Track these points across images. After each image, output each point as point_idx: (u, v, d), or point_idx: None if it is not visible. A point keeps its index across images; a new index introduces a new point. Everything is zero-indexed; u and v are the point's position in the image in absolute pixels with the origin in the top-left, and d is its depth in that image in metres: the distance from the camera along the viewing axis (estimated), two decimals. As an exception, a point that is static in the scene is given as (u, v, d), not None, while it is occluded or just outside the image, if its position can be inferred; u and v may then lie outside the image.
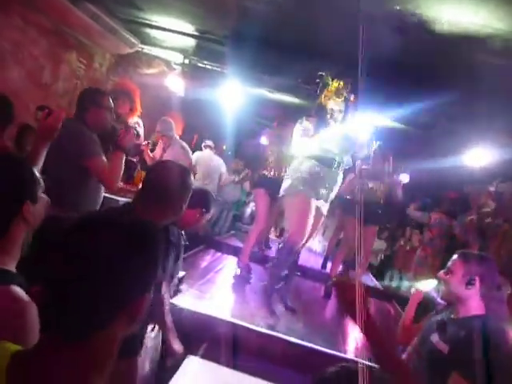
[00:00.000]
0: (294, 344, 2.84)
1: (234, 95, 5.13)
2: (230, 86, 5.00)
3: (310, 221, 3.45)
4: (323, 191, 3.52)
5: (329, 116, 3.45)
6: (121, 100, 4.19)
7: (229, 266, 4.64)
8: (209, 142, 6.15)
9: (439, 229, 6.11)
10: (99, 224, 0.77)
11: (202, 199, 2.40)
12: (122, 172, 2.54)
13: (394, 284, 6.74)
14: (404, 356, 2.08)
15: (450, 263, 1.97)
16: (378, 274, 6.79)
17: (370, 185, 4.62)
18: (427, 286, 2.49)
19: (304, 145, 3.47)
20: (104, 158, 2.54)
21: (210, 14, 4.21)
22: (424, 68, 3.41)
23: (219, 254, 5.07)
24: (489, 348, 1.68)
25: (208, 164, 5.96)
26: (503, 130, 4.04)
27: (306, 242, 3.65)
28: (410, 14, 2.90)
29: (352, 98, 3.48)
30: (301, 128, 3.48)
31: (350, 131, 3.41)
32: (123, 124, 3.84)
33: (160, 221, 1.73)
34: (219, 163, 6.09)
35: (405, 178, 6.80)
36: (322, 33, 3.63)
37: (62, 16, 4.31)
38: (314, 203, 3.50)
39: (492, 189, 4.65)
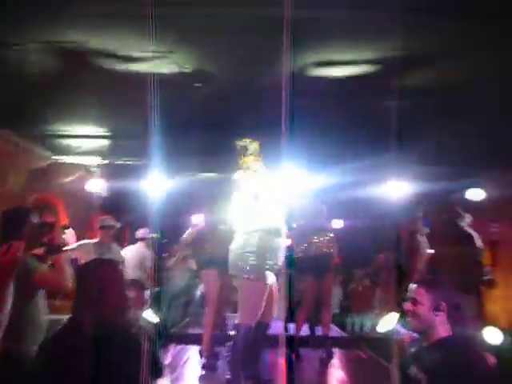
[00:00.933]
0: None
1: (157, 184, 5.17)
2: (153, 176, 5.06)
3: (262, 300, 3.35)
4: (270, 262, 3.41)
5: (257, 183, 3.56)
6: (44, 214, 4.05)
7: (194, 355, 4.44)
8: (140, 232, 6.02)
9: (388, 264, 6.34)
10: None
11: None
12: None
13: (358, 329, 6.75)
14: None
15: (411, 294, 2.02)
16: (340, 322, 6.79)
17: (315, 239, 4.78)
18: (391, 322, 2.55)
19: (246, 218, 3.49)
20: None
21: (120, 113, 4.32)
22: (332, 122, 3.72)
23: (180, 346, 4.85)
24: (462, 365, 1.76)
25: (141, 256, 5.81)
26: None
27: (268, 317, 3.54)
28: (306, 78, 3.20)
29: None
30: (240, 201, 3.54)
31: (283, 193, 3.53)
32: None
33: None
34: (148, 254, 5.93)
35: (339, 223, 7.06)
36: (233, 109, 3.87)
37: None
38: (266, 279, 3.39)
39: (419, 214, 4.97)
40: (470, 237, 4.23)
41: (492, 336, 3.60)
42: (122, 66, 3.18)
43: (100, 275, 1.75)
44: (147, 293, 2.51)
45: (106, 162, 5.20)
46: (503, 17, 2.41)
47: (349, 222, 8.00)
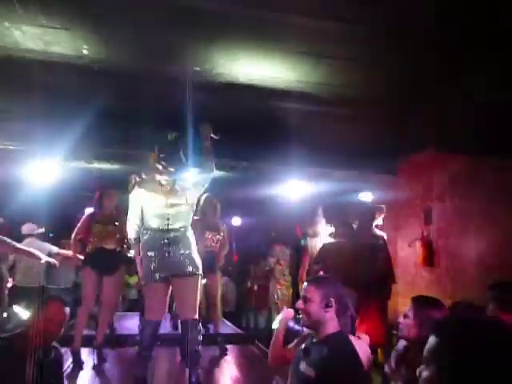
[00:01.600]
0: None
1: (46, 172, 4.77)
2: (41, 163, 4.65)
3: (161, 300, 3.44)
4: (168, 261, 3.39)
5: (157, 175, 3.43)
6: None
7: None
8: (27, 228, 5.52)
9: (285, 260, 6.56)
10: None
11: None
12: None
13: (253, 325, 6.90)
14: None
15: (303, 292, 2.09)
16: (236, 319, 6.87)
17: (208, 235, 4.75)
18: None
19: (141, 214, 3.41)
20: None
21: (4, 92, 3.89)
22: (237, 120, 3.71)
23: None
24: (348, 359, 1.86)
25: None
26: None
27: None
28: (210, 74, 3.14)
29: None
30: (139, 194, 3.41)
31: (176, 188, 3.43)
32: None
33: None
34: (42, 248, 5.48)
35: (236, 221, 7.13)
36: (134, 98, 3.68)
37: None
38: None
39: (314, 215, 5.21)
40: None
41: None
42: (10, 40, 2.83)
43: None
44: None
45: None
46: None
47: (246, 220, 8.16)
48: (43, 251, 5.09)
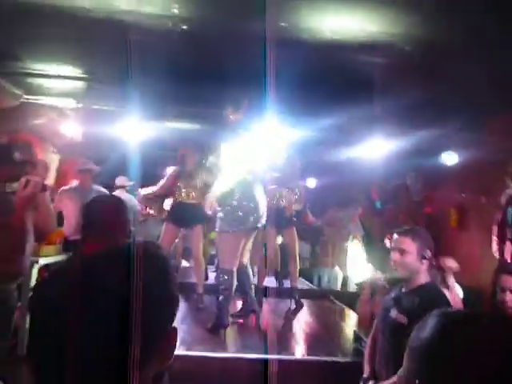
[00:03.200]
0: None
1: (134, 131, 5.06)
2: (130, 123, 4.94)
3: (238, 252, 3.68)
4: (251, 218, 3.64)
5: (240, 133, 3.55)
6: (24, 152, 3.95)
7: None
8: (120, 181, 5.92)
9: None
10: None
11: None
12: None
13: (325, 282, 6.99)
14: (370, 335, 2.20)
15: (397, 244, 2.09)
16: (309, 275, 7.01)
17: (284, 192, 4.85)
18: (365, 273, 2.64)
19: (233, 170, 3.60)
20: None
21: (98, 54, 4.13)
22: (323, 77, 3.68)
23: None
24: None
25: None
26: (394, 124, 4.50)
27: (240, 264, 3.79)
28: (297, 29, 3.12)
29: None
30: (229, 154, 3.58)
31: (264, 145, 3.54)
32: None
33: None
34: (133, 202, 5.89)
35: (311, 182, 7.15)
36: (218, 57, 3.76)
37: None
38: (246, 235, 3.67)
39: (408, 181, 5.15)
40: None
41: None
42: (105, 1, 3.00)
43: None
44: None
45: (81, 105, 5.00)
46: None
47: (321, 182, 8.13)
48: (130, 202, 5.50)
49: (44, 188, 2.23)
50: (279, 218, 4.70)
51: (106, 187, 5.25)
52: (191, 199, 4.73)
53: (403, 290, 2.10)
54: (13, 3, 3.09)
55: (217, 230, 3.77)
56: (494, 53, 3.36)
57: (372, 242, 5.70)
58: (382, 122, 4.42)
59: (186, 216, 4.69)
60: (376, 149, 4.93)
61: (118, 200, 1.84)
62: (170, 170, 5.18)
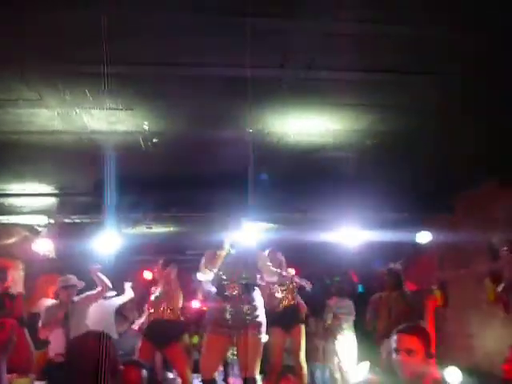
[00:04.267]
0: None
1: (110, 241, 4.99)
2: (105, 233, 4.89)
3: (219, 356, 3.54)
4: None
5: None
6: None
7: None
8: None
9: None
10: None
11: None
12: None
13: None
14: None
15: (402, 344, 1.99)
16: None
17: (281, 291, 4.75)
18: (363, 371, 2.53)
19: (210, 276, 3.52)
20: None
21: (70, 170, 4.20)
22: (289, 176, 3.82)
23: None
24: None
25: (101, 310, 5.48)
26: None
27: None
28: (263, 134, 3.29)
29: None
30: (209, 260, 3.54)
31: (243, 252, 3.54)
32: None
33: None
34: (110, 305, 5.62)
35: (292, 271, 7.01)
36: (188, 164, 3.87)
37: None
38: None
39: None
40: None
41: (453, 375, 3.72)
42: (79, 124, 3.11)
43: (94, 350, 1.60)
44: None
45: (53, 220, 4.95)
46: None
47: (302, 271, 8.04)
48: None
49: (22, 323, 2.13)
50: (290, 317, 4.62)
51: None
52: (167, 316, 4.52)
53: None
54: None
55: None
56: (449, 138, 3.60)
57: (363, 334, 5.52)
58: (353, 211, 4.54)
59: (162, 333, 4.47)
60: (351, 236, 4.99)
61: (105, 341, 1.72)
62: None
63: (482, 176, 4.24)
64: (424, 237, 5.16)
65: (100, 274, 4.84)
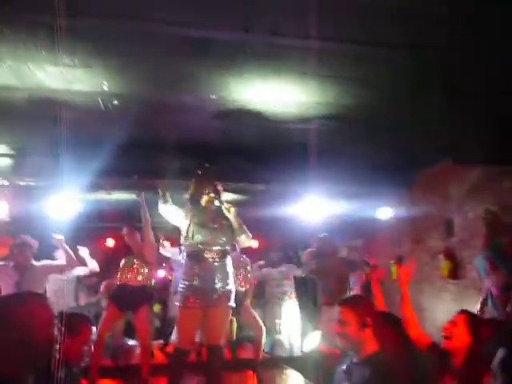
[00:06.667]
0: None
1: (67, 205, 4.84)
2: (62, 197, 4.74)
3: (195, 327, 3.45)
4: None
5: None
6: None
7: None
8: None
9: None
10: None
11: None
12: None
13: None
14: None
15: (337, 315, 2.06)
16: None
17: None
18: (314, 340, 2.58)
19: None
20: None
21: (28, 131, 4.02)
22: (252, 144, 3.77)
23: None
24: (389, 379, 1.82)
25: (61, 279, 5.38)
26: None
27: None
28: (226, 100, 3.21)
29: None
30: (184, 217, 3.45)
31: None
32: None
33: None
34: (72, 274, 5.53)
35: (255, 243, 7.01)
36: (150, 128, 3.76)
37: None
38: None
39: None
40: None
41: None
42: (33, 80, 2.95)
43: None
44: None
45: (7, 182, 4.75)
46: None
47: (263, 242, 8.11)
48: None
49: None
50: None
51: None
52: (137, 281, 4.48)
53: (354, 360, 2.05)
54: None
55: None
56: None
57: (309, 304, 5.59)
58: (318, 184, 4.56)
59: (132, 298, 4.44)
60: (314, 208, 5.02)
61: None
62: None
63: (441, 154, 4.32)
64: (385, 212, 5.27)
65: (65, 246, 4.68)
